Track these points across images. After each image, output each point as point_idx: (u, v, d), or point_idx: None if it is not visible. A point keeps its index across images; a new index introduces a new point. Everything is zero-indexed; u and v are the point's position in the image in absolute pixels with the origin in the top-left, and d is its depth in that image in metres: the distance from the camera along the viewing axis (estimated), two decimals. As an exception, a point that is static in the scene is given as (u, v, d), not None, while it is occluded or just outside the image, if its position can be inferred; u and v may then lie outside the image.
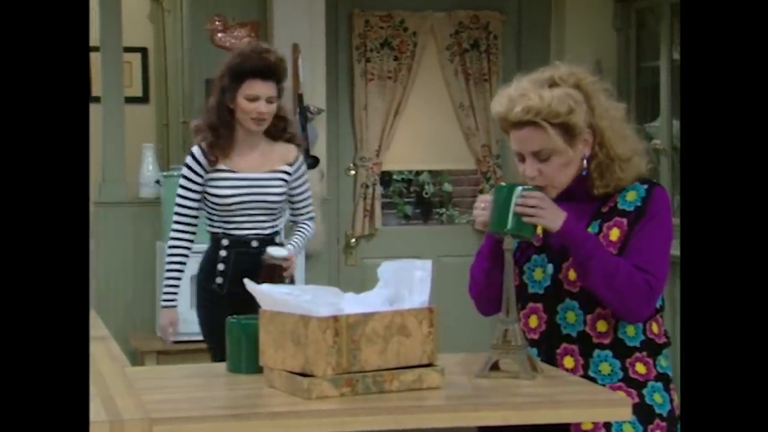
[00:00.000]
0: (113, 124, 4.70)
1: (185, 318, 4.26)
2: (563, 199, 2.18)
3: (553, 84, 2.13)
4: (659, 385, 2.17)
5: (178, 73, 5.13)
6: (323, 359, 1.84)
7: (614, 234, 2.12)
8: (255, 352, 1.99)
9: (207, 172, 3.35)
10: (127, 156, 4.75)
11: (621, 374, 2.14)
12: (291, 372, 1.88)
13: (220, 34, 4.62)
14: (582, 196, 2.17)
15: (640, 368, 2.15)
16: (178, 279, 3.40)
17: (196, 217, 3.40)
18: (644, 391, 2.15)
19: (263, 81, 3.30)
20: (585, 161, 2.14)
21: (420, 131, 5.14)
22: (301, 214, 3.52)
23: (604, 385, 2.10)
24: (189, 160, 3.39)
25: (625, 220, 2.12)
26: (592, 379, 2.11)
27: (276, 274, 3.22)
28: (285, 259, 3.27)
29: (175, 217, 3.41)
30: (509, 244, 2.05)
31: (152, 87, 5.86)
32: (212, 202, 3.35)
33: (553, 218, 2.08)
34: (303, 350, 1.86)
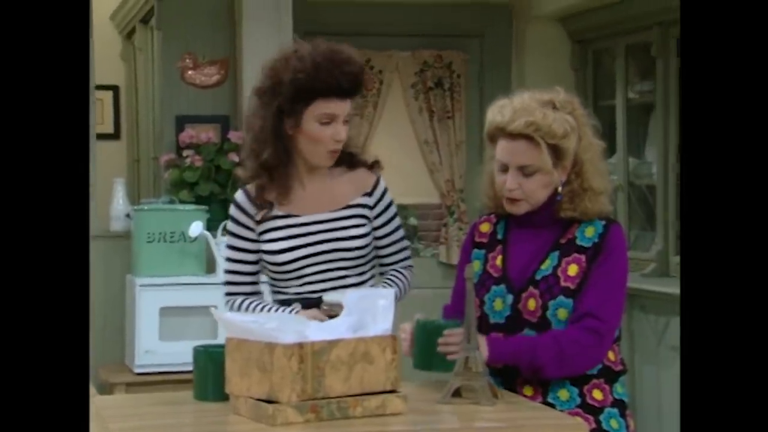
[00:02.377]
0: (85, 159, 4.65)
1: (155, 350, 4.24)
2: (526, 224, 2.21)
3: (553, 107, 2.16)
4: (615, 411, 2.18)
5: (149, 110, 5.13)
6: (288, 386, 1.83)
7: (573, 270, 2.14)
8: (221, 380, 1.98)
9: (258, 222, 2.40)
10: (99, 190, 4.73)
11: (579, 400, 2.15)
12: (256, 399, 1.88)
13: (190, 72, 4.63)
14: (544, 223, 2.19)
15: (597, 395, 2.17)
16: (265, 304, 2.43)
17: (255, 283, 2.45)
18: (601, 417, 2.16)
19: (341, 100, 2.33)
20: (561, 187, 2.17)
21: (385, 166, 5.14)
22: (392, 262, 2.48)
23: (562, 411, 2.11)
24: (234, 211, 2.43)
25: (583, 257, 2.15)
26: (551, 405, 2.13)
27: None
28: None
29: (230, 288, 2.43)
30: (470, 273, 2.07)
31: (123, 124, 5.85)
32: (271, 263, 2.39)
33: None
34: (268, 377, 1.86)
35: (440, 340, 2.08)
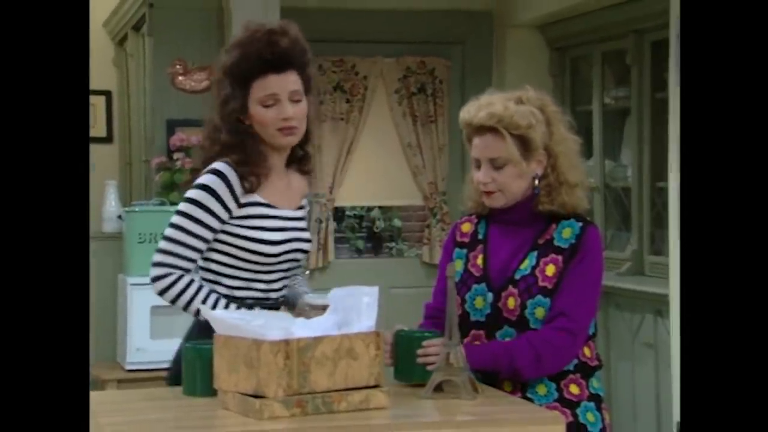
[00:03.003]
0: (78, 162, 4.64)
1: (145, 347, 4.22)
2: (506, 222, 2.21)
3: (519, 102, 2.17)
4: (592, 404, 2.19)
5: (141, 114, 5.12)
6: (274, 381, 1.83)
7: (550, 270, 2.15)
8: (209, 376, 1.97)
9: (241, 205, 2.20)
10: (91, 192, 4.69)
11: (556, 395, 2.16)
12: (244, 394, 1.87)
13: (180, 77, 4.62)
14: (523, 222, 2.20)
15: (574, 389, 2.18)
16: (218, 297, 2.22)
17: (196, 262, 2.23)
18: (578, 411, 2.17)
19: (279, 74, 2.19)
20: (537, 180, 2.18)
21: (371, 169, 5.16)
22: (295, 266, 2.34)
23: (540, 405, 2.11)
24: (213, 180, 2.18)
25: (560, 258, 2.15)
26: (530, 400, 2.13)
27: None
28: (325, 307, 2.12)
29: (171, 259, 2.18)
30: (451, 271, 2.07)
31: (116, 127, 5.83)
32: (249, 251, 2.19)
33: None
34: (255, 373, 1.85)
35: (419, 351, 2.07)
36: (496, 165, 2.16)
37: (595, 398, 2.20)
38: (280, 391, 1.83)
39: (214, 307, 2.18)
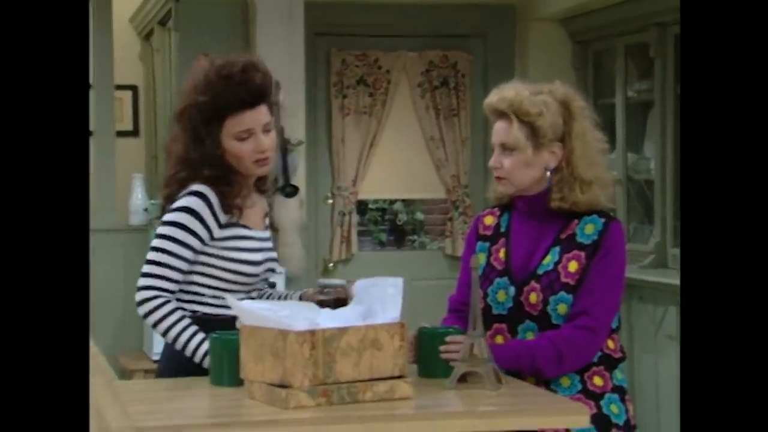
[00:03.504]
0: (105, 156, 4.72)
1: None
2: (527, 216, 2.20)
3: (539, 92, 2.17)
4: (615, 396, 2.18)
5: (167, 108, 5.13)
6: (300, 371, 1.83)
7: (573, 266, 2.13)
8: (236, 366, 1.98)
9: (222, 226, 2.22)
10: (118, 185, 4.74)
11: (580, 386, 2.15)
12: (270, 384, 1.88)
13: (206, 72, 4.63)
14: (544, 215, 2.18)
15: (598, 381, 2.17)
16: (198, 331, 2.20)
17: (180, 283, 2.22)
18: (602, 402, 2.16)
19: (253, 109, 2.21)
20: (549, 173, 2.16)
21: (393, 162, 5.16)
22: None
23: (564, 397, 2.10)
24: (196, 202, 2.19)
25: (583, 254, 2.13)
26: (553, 392, 2.12)
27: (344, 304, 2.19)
28: (342, 285, 2.29)
29: (161, 282, 2.18)
30: (476, 263, 2.06)
31: (142, 121, 5.86)
32: (233, 271, 2.22)
33: None
34: (281, 363, 1.86)
35: (442, 347, 2.07)
36: (505, 150, 2.16)
37: (619, 390, 2.19)
38: (306, 380, 1.83)
39: (189, 340, 2.18)
